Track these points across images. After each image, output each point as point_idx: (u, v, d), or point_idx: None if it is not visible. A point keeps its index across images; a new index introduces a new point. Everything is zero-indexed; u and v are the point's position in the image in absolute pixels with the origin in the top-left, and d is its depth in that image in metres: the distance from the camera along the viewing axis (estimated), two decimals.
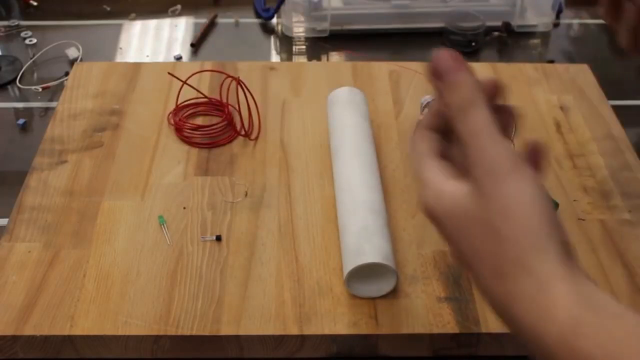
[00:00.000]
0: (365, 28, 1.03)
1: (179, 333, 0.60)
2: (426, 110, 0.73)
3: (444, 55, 0.45)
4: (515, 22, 1.04)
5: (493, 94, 0.46)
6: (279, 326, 0.60)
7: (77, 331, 0.60)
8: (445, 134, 0.47)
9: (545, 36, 1.05)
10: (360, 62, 0.92)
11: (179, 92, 0.82)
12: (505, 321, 0.42)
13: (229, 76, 0.81)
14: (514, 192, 0.41)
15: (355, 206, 0.66)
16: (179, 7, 1.08)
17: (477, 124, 0.42)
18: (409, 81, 0.88)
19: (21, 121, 0.86)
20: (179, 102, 0.82)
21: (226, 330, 0.60)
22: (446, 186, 0.44)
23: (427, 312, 0.62)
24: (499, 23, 1.04)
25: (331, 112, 0.78)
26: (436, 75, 0.45)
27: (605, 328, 0.37)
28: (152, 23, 1.06)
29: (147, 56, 0.99)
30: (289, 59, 1.00)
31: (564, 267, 0.40)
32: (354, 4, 1.03)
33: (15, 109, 0.89)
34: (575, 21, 1.09)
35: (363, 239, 0.62)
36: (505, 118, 0.46)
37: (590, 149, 0.79)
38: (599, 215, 0.71)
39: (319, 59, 1.00)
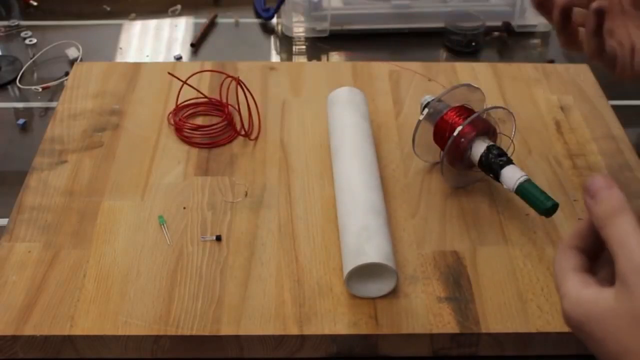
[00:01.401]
0: (365, 28, 1.03)
1: (179, 333, 0.60)
2: (426, 110, 0.73)
3: (598, 178, 0.46)
4: (515, 22, 1.04)
5: None
6: (279, 326, 0.60)
7: (77, 331, 0.60)
8: (589, 255, 0.47)
9: (545, 36, 1.05)
10: (360, 62, 0.92)
11: (179, 92, 0.82)
12: None
13: (228, 76, 0.81)
14: None
15: (355, 206, 0.66)
16: (179, 7, 1.08)
17: (625, 228, 0.43)
18: (409, 81, 0.88)
19: (21, 121, 0.86)
20: (178, 102, 0.82)
21: (226, 330, 0.60)
22: (586, 291, 0.44)
23: (427, 312, 0.62)
24: (499, 23, 1.04)
25: (331, 112, 0.78)
26: (589, 194, 0.46)
27: None
28: (152, 23, 1.06)
29: (147, 56, 0.99)
30: (289, 59, 1.00)
31: None
32: (354, 4, 1.03)
33: (15, 109, 0.89)
34: None
35: (363, 239, 0.62)
36: None
37: (590, 149, 0.79)
38: None
39: (319, 59, 1.00)
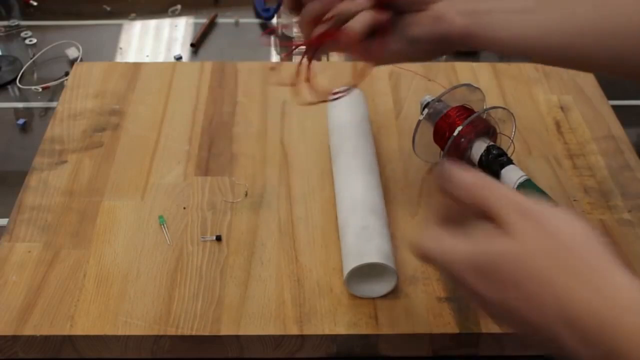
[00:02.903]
0: None
1: (179, 333, 0.60)
2: (426, 110, 0.73)
3: (445, 163, 0.49)
4: None
5: None
6: (279, 326, 0.60)
7: (77, 331, 0.60)
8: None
9: None
10: (360, 62, 0.92)
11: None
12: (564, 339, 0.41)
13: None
14: (561, 219, 0.43)
15: (355, 206, 0.66)
16: (179, 7, 1.08)
17: (494, 185, 0.45)
18: (409, 81, 0.88)
19: (21, 121, 0.86)
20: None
21: (226, 330, 0.60)
22: (475, 246, 0.44)
23: (427, 312, 0.62)
24: None
25: (331, 112, 0.78)
26: (445, 179, 0.47)
27: None
28: (152, 23, 1.06)
29: (147, 56, 0.99)
30: (289, 59, 1.00)
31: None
32: None
33: (15, 109, 0.89)
34: None
35: (363, 239, 0.62)
36: None
37: (590, 149, 0.79)
38: (599, 215, 0.71)
39: (319, 59, 0.99)
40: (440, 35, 0.60)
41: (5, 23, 1.04)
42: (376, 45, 0.62)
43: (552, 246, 0.42)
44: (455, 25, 0.59)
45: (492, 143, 0.70)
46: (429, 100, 0.74)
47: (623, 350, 0.38)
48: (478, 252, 0.44)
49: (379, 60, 0.65)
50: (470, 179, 0.46)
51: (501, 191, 0.45)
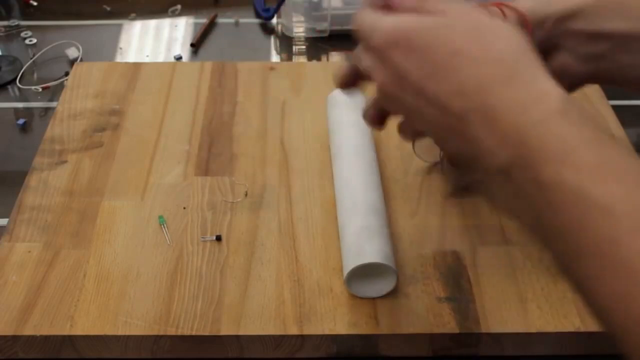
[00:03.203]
0: None
1: (179, 333, 0.60)
2: None
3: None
4: None
5: None
6: (279, 326, 0.60)
7: (77, 331, 0.60)
8: None
9: None
10: None
11: None
12: (468, 136, 0.42)
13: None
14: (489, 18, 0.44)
15: (355, 206, 0.66)
16: (179, 7, 1.08)
17: None
18: None
19: (21, 121, 0.86)
20: None
21: (226, 330, 0.60)
22: (407, 17, 0.45)
23: (427, 312, 0.62)
24: None
25: (331, 112, 0.78)
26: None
27: (592, 124, 0.39)
28: (152, 23, 1.06)
29: (147, 56, 0.99)
30: (289, 59, 1.00)
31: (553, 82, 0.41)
32: (354, 4, 1.03)
33: (15, 109, 0.89)
34: None
35: (363, 239, 0.62)
36: None
37: None
38: None
39: (319, 59, 1.00)
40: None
41: (5, 23, 1.04)
42: None
43: (479, 29, 0.43)
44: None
45: None
46: None
47: (540, 157, 0.38)
48: (403, 22, 0.44)
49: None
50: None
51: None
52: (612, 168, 0.38)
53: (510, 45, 0.42)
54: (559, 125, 0.39)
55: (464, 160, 0.44)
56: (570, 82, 0.58)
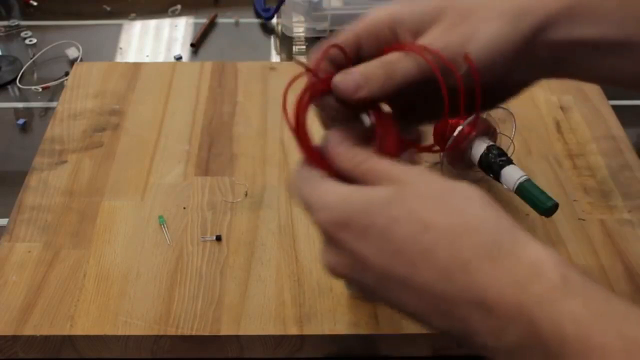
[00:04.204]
0: None
1: (179, 333, 0.60)
2: None
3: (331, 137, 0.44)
4: None
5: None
6: (279, 326, 0.60)
7: (77, 331, 0.60)
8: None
9: None
10: None
11: None
12: (465, 320, 0.37)
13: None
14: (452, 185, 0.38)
15: None
16: (179, 7, 1.08)
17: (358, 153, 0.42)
18: None
19: (21, 121, 0.86)
20: None
21: (226, 330, 0.60)
22: (356, 190, 0.39)
23: None
24: None
25: None
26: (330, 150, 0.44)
27: (597, 291, 0.35)
28: (152, 23, 1.06)
29: (147, 56, 0.99)
30: (289, 59, 1.00)
31: (541, 245, 0.37)
32: (354, 4, 1.03)
33: (15, 109, 0.89)
34: None
35: None
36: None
37: (590, 149, 0.79)
38: (599, 215, 0.71)
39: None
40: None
41: (5, 23, 1.04)
42: None
43: (442, 196, 0.37)
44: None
45: (492, 143, 0.70)
46: None
47: (555, 338, 0.34)
48: (351, 198, 0.38)
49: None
50: (347, 153, 0.42)
51: (383, 163, 0.40)
52: (635, 344, 0.34)
53: (482, 209, 0.37)
54: (565, 300, 0.35)
55: (451, 337, 0.39)
56: (525, 83, 0.52)
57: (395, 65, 0.45)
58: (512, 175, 0.66)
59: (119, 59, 0.99)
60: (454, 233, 0.36)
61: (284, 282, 0.64)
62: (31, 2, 1.07)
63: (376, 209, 0.37)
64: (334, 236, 0.39)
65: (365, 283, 0.39)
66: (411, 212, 0.37)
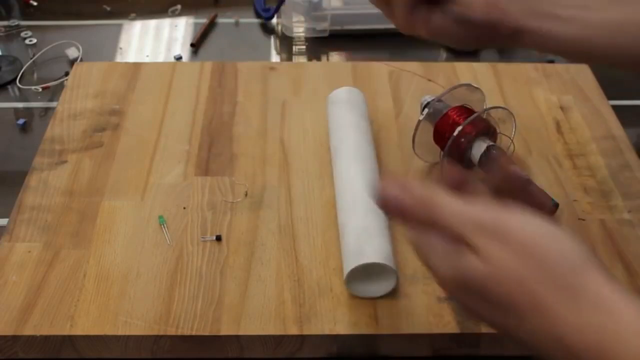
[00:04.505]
0: (365, 28, 1.03)
1: (179, 333, 0.60)
2: (426, 110, 0.73)
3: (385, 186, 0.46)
4: None
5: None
6: (279, 326, 0.60)
7: (77, 331, 0.60)
8: None
9: None
10: (360, 62, 0.92)
11: None
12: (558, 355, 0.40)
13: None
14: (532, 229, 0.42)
15: (355, 206, 0.66)
16: (179, 7, 1.08)
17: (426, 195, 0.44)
18: (409, 81, 0.88)
19: (21, 121, 0.86)
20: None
21: (226, 330, 0.60)
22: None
23: (427, 312, 0.62)
24: None
25: (331, 112, 0.78)
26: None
27: None
28: (152, 23, 1.06)
29: (147, 56, 0.99)
30: (289, 59, 1.00)
31: (619, 288, 0.40)
32: (354, 4, 1.03)
33: (15, 109, 0.89)
34: None
35: (363, 239, 0.62)
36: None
37: (590, 149, 0.79)
38: (599, 215, 0.71)
39: (319, 59, 1.00)
40: (490, 22, 0.57)
41: (5, 23, 1.04)
42: (421, 16, 0.59)
43: (526, 265, 0.40)
44: (510, 16, 0.56)
45: (492, 143, 0.70)
46: (429, 100, 0.74)
47: None
48: (459, 276, 0.43)
49: (421, 33, 0.61)
50: (415, 196, 0.45)
51: (453, 207, 0.44)
52: None
53: (566, 270, 0.40)
54: None
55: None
56: (494, 21, 0.57)
57: None
58: None
59: (119, 59, 0.99)
60: (562, 313, 0.39)
61: (284, 282, 0.64)
62: (31, 2, 1.07)
63: (491, 283, 0.42)
64: (452, 292, 0.45)
65: (468, 306, 0.45)
66: (523, 288, 0.41)
